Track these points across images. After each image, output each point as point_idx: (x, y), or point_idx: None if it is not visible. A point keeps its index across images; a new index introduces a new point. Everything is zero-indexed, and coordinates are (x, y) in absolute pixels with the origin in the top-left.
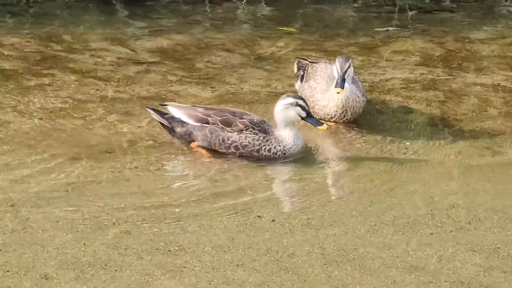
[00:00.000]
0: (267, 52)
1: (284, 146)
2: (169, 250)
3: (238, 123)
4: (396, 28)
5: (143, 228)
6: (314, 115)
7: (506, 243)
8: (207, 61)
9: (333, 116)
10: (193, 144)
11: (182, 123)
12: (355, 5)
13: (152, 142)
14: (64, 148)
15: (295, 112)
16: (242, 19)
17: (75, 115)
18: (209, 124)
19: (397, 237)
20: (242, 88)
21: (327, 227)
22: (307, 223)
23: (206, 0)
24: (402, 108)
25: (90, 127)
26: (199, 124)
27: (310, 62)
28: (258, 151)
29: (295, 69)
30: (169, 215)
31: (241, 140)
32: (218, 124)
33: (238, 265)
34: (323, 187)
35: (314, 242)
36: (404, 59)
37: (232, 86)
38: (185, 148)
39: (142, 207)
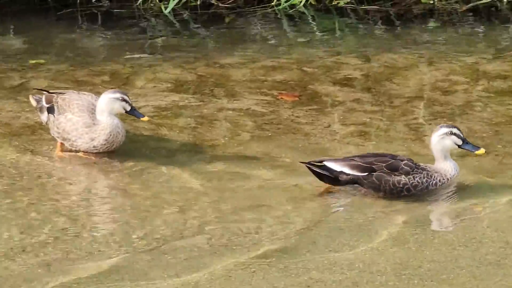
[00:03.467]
0: (18, 84)
1: (449, 178)
2: None
3: (403, 166)
4: (147, 56)
5: None
6: (76, 148)
7: None
8: None
9: (99, 148)
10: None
11: (346, 174)
12: (109, 33)
13: None
14: None
15: (451, 142)
16: None
17: None
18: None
19: None
20: None
21: None
22: None
23: None
24: (155, 136)
25: None
26: (366, 173)
27: (52, 93)
28: (427, 187)
29: (33, 102)
30: None
31: (411, 182)
32: (384, 170)
33: None
34: None
35: None
36: (156, 86)
37: None
38: None
39: None
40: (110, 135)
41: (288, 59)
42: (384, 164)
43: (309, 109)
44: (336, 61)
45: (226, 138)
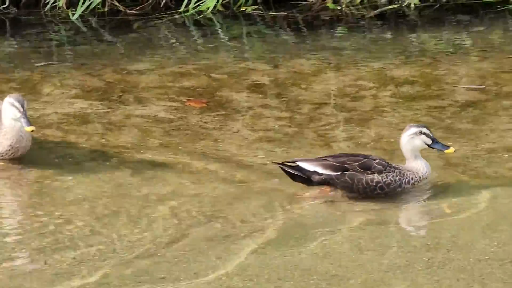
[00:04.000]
0: None
1: (421, 176)
2: None
3: (376, 165)
4: (55, 63)
5: None
6: None
7: None
8: None
9: (4, 154)
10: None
11: (319, 174)
12: (16, 39)
13: None
14: None
15: (421, 141)
16: None
17: None
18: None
19: None
20: None
21: None
22: None
23: None
24: (62, 143)
25: None
26: (338, 173)
27: None
28: (400, 185)
29: None
30: None
31: (384, 180)
32: (357, 169)
33: None
34: None
35: None
36: (64, 93)
37: None
38: None
39: None
40: (13, 139)
41: (196, 66)
42: (357, 163)
43: (217, 115)
44: (244, 67)
45: (135, 145)
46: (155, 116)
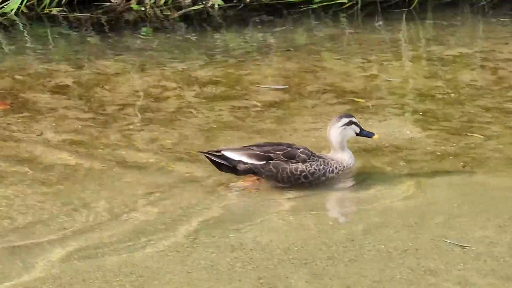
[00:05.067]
0: None
1: (345, 166)
2: None
3: (300, 154)
4: None
5: None
6: None
7: None
8: None
9: None
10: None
11: (244, 163)
12: None
13: None
14: None
15: (352, 131)
16: None
17: None
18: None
19: None
20: None
21: None
22: None
23: None
24: None
25: None
26: (263, 162)
27: None
28: (324, 174)
29: None
30: None
31: (308, 169)
32: (282, 158)
33: None
34: None
35: None
36: None
37: None
38: None
39: None
40: None
41: None
42: (281, 153)
43: (21, 117)
44: (48, 68)
45: None
46: None
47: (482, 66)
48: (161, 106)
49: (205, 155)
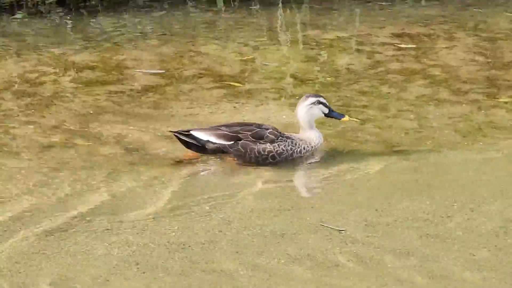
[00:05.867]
0: None
1: (313, 146)
2: None
3: (268, 134)
4: None
5: None
6: None
7: None
8: None
9: None
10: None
11: (213, 143)
12: None
13: None
14: None
15: (319, 110)
16: None
17: None
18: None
19: None
20: None
21: None
22: None
23: None
24: None
25: None
26: (232, 142)
27: None
28: (291, 155)
29: None
30: None
31: (276, 149)
32: (250, 138)
33: None
34: None
35: None
36: None
37: None
38: None
39: None
40: None
41: None
42: (250, 133)
43: None
44: None
45: None
46: None
47: (359, 50)
48: (38, 90)
49: (174, 135)
